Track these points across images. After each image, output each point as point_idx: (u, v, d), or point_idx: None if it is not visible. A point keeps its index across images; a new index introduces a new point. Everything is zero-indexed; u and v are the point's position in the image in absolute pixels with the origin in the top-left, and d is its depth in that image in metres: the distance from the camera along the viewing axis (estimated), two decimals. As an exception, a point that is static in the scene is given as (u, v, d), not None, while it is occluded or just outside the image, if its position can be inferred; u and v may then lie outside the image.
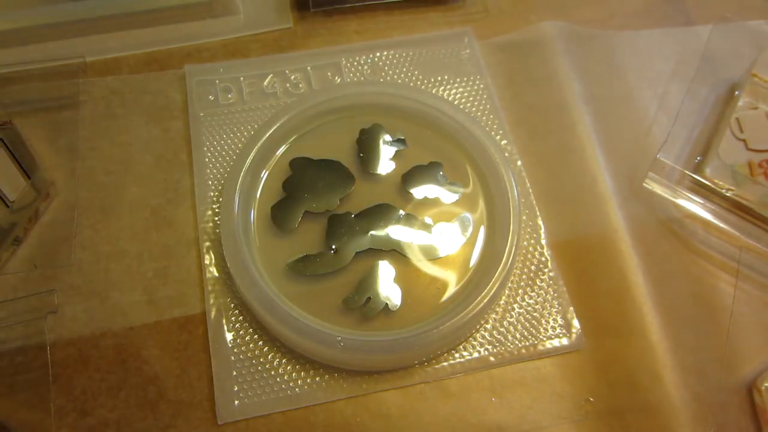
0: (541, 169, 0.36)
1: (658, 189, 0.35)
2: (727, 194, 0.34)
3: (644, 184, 0.35)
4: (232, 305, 0.32)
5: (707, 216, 0.34)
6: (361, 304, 0.31)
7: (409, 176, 0.34)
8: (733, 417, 0.30)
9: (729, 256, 0.34)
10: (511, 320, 0.32)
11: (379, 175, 0.34)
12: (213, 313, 0.31)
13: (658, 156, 0.35)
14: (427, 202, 0.34)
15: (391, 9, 0.42)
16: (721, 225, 0.34)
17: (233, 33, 0.40)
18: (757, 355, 0.31)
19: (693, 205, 0.35)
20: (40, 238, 0.33)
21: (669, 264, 0.34)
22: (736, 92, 0.38)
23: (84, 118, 0.37)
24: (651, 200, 0.35)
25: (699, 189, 0.35)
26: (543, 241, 0.34)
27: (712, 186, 0.34)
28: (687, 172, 0.35)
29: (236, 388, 0.30)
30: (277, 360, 0.30)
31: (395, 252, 0.32)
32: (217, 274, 0.32)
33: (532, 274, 0.33)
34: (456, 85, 0.39)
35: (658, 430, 0.30)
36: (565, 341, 0.31)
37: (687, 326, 0.32)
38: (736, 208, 0.34)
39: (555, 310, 0.32)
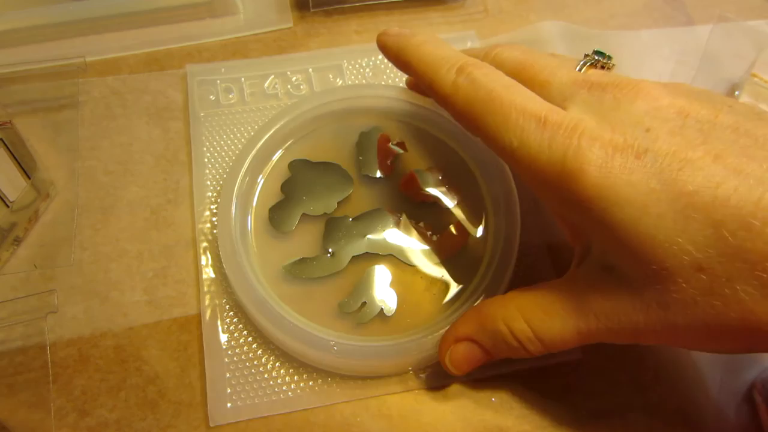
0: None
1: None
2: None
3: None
4: (227, 307, 0.31)
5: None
6: (356, 308, 0.31)
7: (408, 180, 0.34)
8: (733, 417, 0.30)
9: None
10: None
11: (378, 178, 0.34)
12: (208, 315, 0.31)
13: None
14: (425, 207, 0.34)
15: (391, 9, 0.42)
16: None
17: (233, 33, 0.40)
18: (757, 355, 0.31)
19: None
20: (40, 238, 0.33)
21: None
22: (736, 92, 0.38)
23: (84, 118, 0.37)
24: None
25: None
26: (541, 247, 0.33)
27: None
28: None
29: (229, 391, 0.29)
30: (271, 363, 0.30)
31: (392, 256, 0.32)
32: (213, 275, 0.32)
33: (529, 281, 0.32)
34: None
35: (659, 430, 0.30)
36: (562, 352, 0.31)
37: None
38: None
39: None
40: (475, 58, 0.27)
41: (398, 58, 0.29)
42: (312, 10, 0.41)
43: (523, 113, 0.24)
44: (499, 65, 0.27)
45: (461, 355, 0.27)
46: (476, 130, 0.26)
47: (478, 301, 0.30)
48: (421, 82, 0.28)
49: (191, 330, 0.31)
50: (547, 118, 0.23)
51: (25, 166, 0.32)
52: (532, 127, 0.23)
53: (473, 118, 0.25)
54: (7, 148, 0.32)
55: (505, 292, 0.32)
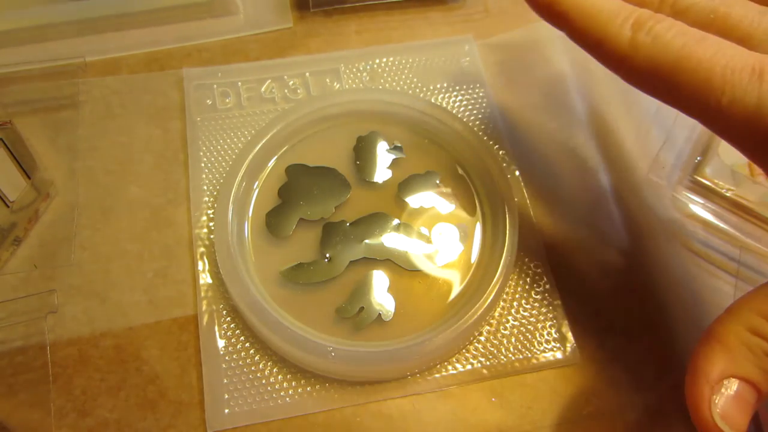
0: (540, 170, 0.36)
1: (658, 189, 0.35)
2: (727, 194, 0.34)
3: (644, 184, 0.35)
4: (225, 312, 0.31)
5: (707, 216, 0.34)
6: (354, 313, 0.31)
7: (406, 185, 0.34)
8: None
9: (729, 256, 0.34)
10: (506, 332, 0.31)
11: (376, 183, 0.34)
12: (205, 320, 0.31)
13: (658, 156, 0.35)
14: (423, 212, 0.34)
15: (391, 9, 0.42)
16: (721, 225, 0.34)
17: (233, 33, 0.40)
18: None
19: (693, 205, 0.35)
20: (40, 238, 0.33)
21: (669, 264, 0.34)
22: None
23: (84, 118, 0.37)
24: (651, 200, 0.35)
25: (699, 189, 0.35)
26: (539, 252, 0.33)
27: (712, 186, 0.34)
28: (687, 172, 0.35)
29: (227, 396, 0.29)
30: (269, 369, 0.30)
31: (390, 261, 0.32)
32: (210, 281, 0.32)
33: (527, 286, 0.33)
34: (455, 93, 0.38)
35: (659, 429, 0.30)
36: (559, 355, 0.31)
37: (687, 326, 0.32)
38: (736, 208, 0.34)
39: (550, 323, 0.32)
40: (649, 10, 0.23)
41: (551, 9, 0.25)
42: (312, 11, 0.41)
43: (731, 68, 0.21)
44: (680, 15, 0.24)
45: (733, 405, 0.21)
46: (664, 93, 0.23)
47: (474, 308, 0.30)
48: (583, 41, 0.24)
49: (191, 330, 0.31)
50: (763, 70, 0.21)
51: (25, 166, 0.32)
52: (744, 82, 0.21)
53: (660, 80, 0.22)
54: (7, 148, 0.32)
55: (505, 296, 0.32)
